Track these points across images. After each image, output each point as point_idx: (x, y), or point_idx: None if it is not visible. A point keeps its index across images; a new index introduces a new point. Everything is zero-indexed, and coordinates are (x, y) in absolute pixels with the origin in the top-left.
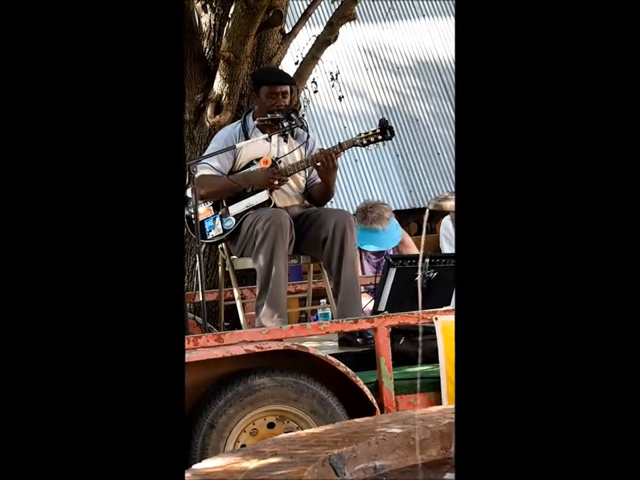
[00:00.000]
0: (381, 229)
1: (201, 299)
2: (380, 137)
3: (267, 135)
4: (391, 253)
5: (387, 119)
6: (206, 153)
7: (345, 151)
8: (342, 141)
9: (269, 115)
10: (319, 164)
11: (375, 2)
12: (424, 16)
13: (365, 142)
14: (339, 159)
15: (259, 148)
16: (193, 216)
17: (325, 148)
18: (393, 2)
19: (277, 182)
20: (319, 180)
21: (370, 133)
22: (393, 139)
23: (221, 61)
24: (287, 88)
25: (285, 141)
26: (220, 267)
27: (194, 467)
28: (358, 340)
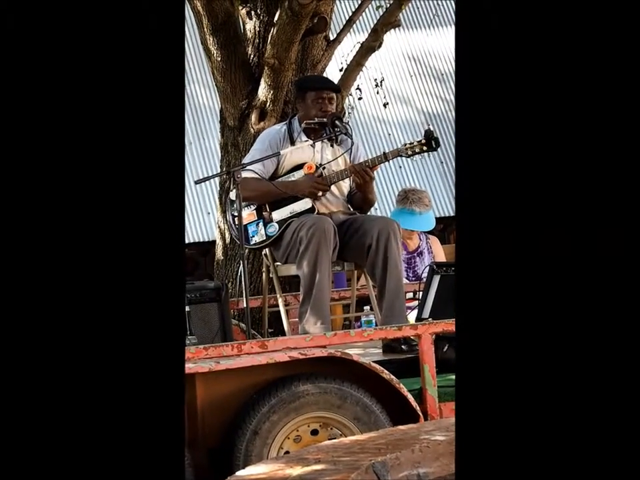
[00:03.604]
0: (419, 211)
1: (245, 305)
2: (425, 148)
3: (311, 142)
4: (427, 256)
5: (431, 127)
6: (250, 152)
7: (390, 160)
8: (386, 147)
9: (316, 119)
10: (355, 176)
11: (420, 9)
12: None
13: (409, 152)
14: (378, 168)
15: (303, 153)
16: (237, 221)
17: (370, 154)
18: (438, 9)
19: (320, 193)
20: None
21: (415, 144)
22: None
23: (266, 68)
24: (333, 95)
25: (330, 147)
26: (264, 274)
27: (237, 473)
28: (403, 347)
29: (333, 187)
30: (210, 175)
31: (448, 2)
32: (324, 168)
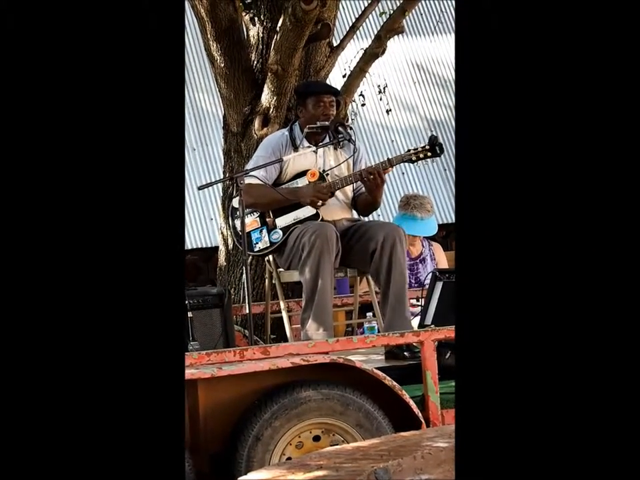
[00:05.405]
0: (420, 217)
1: (247, 311)
2: (429, 154)
3: (314, 148)
4: (429, 263)
5: (435, 134)
6: (253, 159)
7: (394, 166)
8: (389, 154)
9: (318, 123)
10: (367, 180)
11: (423, 15)
12: None
13: (414, 158)
14: (390, 171)
15: (306, 160)
16: (240, 228)
17: (372, 161)
18: (441, 15)
19: (320, 202)
20: (364, 190)
21: (419, 150)
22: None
23: (269, 74)
24: (333, 98)
25: (333, 152)
26: (266, 280)
27: (239, 479)
28: (405, 353)
29: (337, 192)
30: (213, 180)
31: (451, 9)
32: (327, 174)
